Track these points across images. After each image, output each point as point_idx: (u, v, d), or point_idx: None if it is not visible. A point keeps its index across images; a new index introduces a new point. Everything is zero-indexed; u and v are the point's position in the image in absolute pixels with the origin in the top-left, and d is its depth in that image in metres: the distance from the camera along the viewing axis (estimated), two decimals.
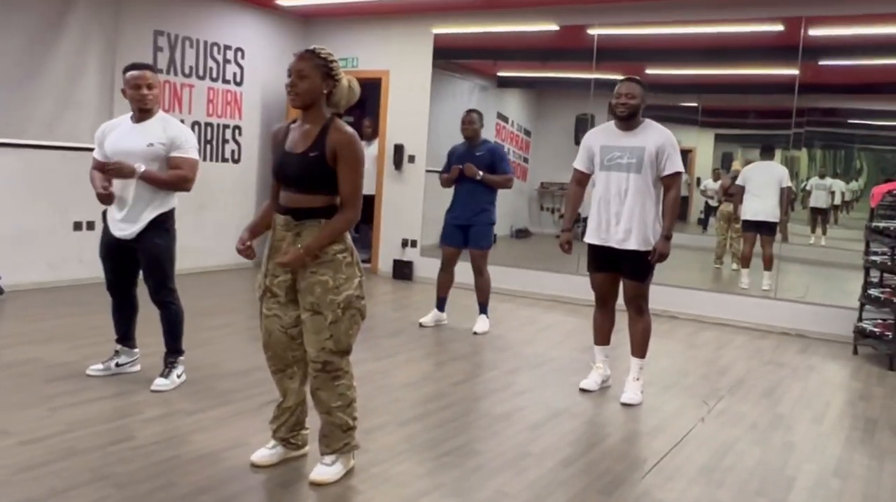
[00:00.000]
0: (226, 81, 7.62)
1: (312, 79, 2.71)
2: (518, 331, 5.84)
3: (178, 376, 3.92)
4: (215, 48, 7.48)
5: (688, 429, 3.72)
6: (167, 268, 3.90)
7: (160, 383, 3.82)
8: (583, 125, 9.18)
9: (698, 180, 9.10)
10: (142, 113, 3.78)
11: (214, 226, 7.54)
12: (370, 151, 8.55)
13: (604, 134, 4.16)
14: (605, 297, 4.27)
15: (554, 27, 7.48)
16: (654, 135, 4.02)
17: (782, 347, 5.74)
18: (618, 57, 7.65)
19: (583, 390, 4.24)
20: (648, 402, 4.11)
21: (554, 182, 10.01)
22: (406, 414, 3.70)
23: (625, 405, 4.04)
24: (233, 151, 7.79)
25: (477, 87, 9.49)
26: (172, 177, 3.78)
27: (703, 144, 9.26)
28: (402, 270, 8.00)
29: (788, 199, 7.20)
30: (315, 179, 2.76)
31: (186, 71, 7.21)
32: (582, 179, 4.30)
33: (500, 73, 9.53)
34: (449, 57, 8.19)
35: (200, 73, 7.34)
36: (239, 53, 7.73)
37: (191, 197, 7.10)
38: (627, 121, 4.03)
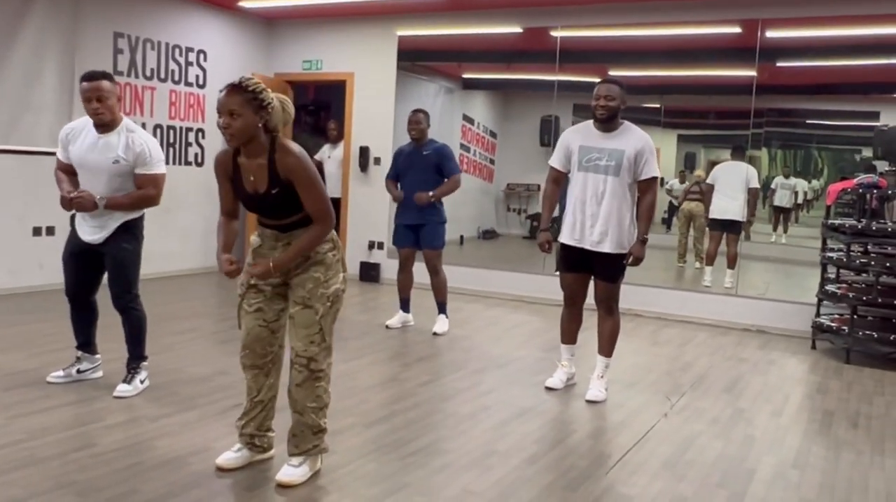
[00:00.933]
0: (188, 84, 7.55)
1: (245, 115, 2.64)
2: (484, 331, 5.87)
3: (142, 382, 3.88)
4: (177, 50, 7.40)
5: (651, 425, 3.77)
6: (132, 273, 3.86)
7: (123, 389, 3.78)
8: (547, 126, 9.26)
9: (662, 180, 9.23)
10: (101, 126, 3.67)
11: (179, 230, 7.47)
12: (335, 154, 8.53)
13: (582, 134, 4.15)
14: (574, 297, 4.30)
15: (518, 29, 7.54)
16: (633, 139, 4.03)
17: (743, 343, 5.85)
18: (581, 59, 7.74)
19: (548, 388, 4.28)
20: (613, 399, 4.16)
21: (520, 183, 10.08)
22: (373, 416, 3.70)
23: (590, 402, 4.09)
24: (196, 154, 7.72)
25: (442, 89, 9.52)
26: (136, 199, 3.75)
27: (667, 145, 9.39)
28: (369, 272, 7.99)
29: (755, 199, 7.34)
30: (288, 207, 2.78)
31: (148, 73, 7.13)
32: (558, 178, 4.28)
33: (466, 75, 9.58)
34: (414, 59, 8.20)
35: (162, 75, 7.27)
36: (201, 55, 7.67)
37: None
38: (607, 123, 4.03)
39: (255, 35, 8.29)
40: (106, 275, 3.88)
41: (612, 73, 8.01)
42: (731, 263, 7.00)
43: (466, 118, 9.94)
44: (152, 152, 3.73)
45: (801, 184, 8.11)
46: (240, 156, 2.80)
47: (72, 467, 2.89)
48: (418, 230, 5.64)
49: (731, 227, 7.10)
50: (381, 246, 8.07)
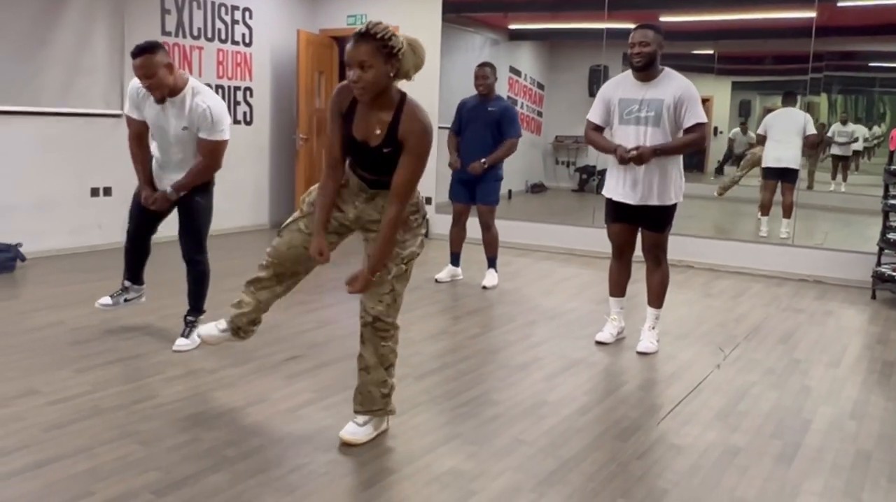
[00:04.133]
0: (234, 43, 7.57)
1: (377, 66, 2.44)
2: (534, 284, 5.86)
3: (199, 336, 3.97)
4: (223, 9, 7.41)
5: (703, 376, 3.74)
6: (203, 227, 3.98)
7: (181, 343, 3.89)
8: (596, 77, 9.05)
9: (715, 130, 8.98)
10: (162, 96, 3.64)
11: (229, 188, 7.51)
12: None
13: (622, 86, 4.00)
14: (621, 248, 4.23)
15: None
16: (672, 87, 3.87)
17: (800, 294, 5.72)
18: (631, 5, 7.53)
19: (598, 342, 4.24)
20: (664, 351, 4.13)
21: (568, 135, 9.93)
22: (424, 368, 3.75)
23: (641, 354, 4.06)
24: (245, 113, 7.78)
25: (488, 41, 9.38)
26: (196, 174, 3.78)
27: (721, 93, 9.12)
28: None
29: (813, 145, 7.11)
30: (391, 168, 2.61)
31: (195, 33, 7.17)
32: (597, 130, 4.15)
33: (512, 26, 9.40)
34: (459, 10, 8.08)
35: (209, 34, 7.30)
36: (247, 13, 7.67)
37: None
38: (644, 70, 3.88)
39: None
40: (177, 229, 3.97)
41: (664, 18, 7.78)
42: (787, 213, 6.82)
43: (513, 70, 9.79)
44: (214, 116, 3.65)
45: (860, 131, 7.81)
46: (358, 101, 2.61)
47: (134, 417, 3.00)
48: (474, 185, 5.62)
49: (786, 176, 6.90)
50: (428, 200, 8.05)
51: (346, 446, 2.82)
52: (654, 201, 3.96)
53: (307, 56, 7.93)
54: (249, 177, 7.80)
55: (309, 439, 2.88)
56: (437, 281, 5.75)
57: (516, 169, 10.21)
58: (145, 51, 3.57)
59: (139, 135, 3.83)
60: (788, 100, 7.26)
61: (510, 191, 9.89)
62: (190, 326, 3.97)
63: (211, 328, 3.06)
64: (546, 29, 9.52)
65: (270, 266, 2.90)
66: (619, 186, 4.03)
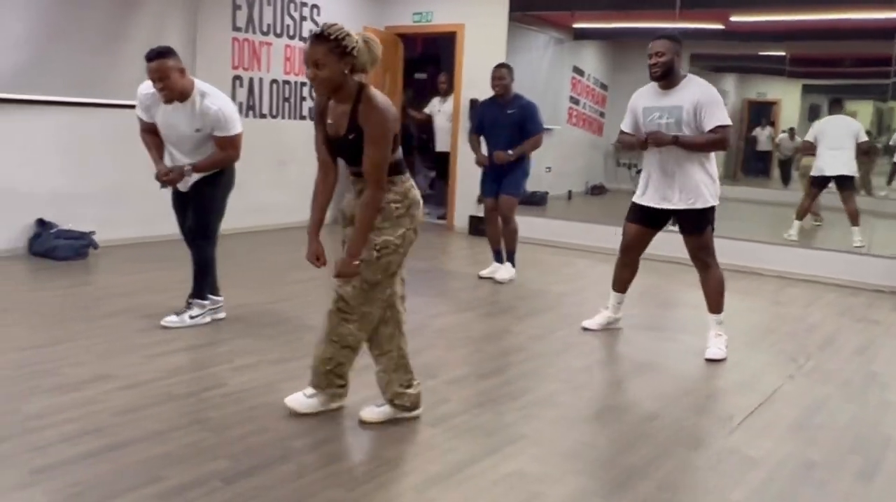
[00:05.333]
0: (302, 39, 7.66)
1: (330, 65, 2.60)
2: (594, 287, 5.76)
3: (191, 317, 4.08)
4: (292, 5, 7.51)
5: (776, 386, 3.62)
6: (209, 215, 4.09)
7: (171, 319, 4.04)
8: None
9: (792, 132, 8.74)
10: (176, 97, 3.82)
11: (294, 182, 7.63)
12: (445, 108, 8.51)
13: (646, 94, 4.08)
14: (628, 246, 4.27)
15: None
16: (690, 92, 3.88)
17: (876, 305, 5.50)
18: (701, 4, 7.35)
19: (585, 328, 4.35)
20: (733, 358, 4.01)
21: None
22: (486, 367, 3.72)
23: (709, 361, 3.96)
24: (310, 109, 7.85)
25: (552, 41, 9.29)
26: (218, 161, 3.97)
27: (790, 96, 8.86)
28: (478, 226, 7.97)
29: (865, 152, 6.92)
30: (361, 154, 2.73)
31: (264, 29, 7.28)
32: None
33: (577, 25, 9.28)
34: (525, 9, 8.01)
35: (278, 30, 7.41)
36: (315, 10, 7.75)
37: (269, 155, 7.33)
38: (664, 79, 3.93)
39: None
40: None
41: (734, 18, 7.60)
42: (855, 219, 6.65)
43: (576, 70, 9.68)
44: (226, 114, 3.87)
45: None
46: (331, 99, 2.79)
47: (205, 404, 3.05)
48: (502, 178, 5.64)
49: (843, 183, 6.74)
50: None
51: (292, 416, 2.93)
52: (680, 204, 3.97)
53: None
54: (312, 173, 7.81)
55: (374, 434, 2.88)
56: (480, 277, 5.76)
57: (576, 169, 10.10)
58: (160, 55, 3.78)
59: (149, 130, 4.05)
60: (837, 107, 7.13)
61: (570, 192, 9.79)
62: (187, 306, 4.10)
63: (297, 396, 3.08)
64: (612, 28, 9.37)
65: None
66: (644, 189, 4.12)
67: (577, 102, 9.85)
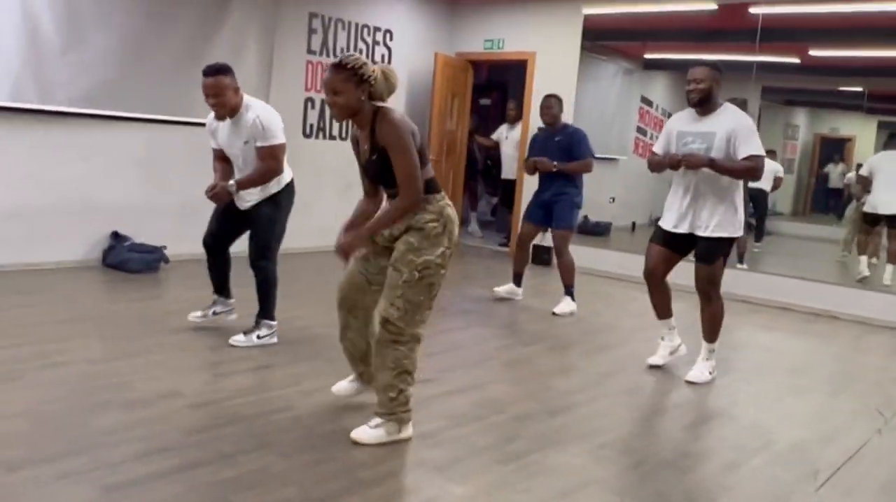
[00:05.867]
0: (374, 63, 7.72)
1: (347, 92, 2.77)
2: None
3: (259, 337, 4.09)
4: (365, 30, 7.60)
5: (863, 441, 3.42)
6: (268, 236, 4.11)
7: (238, 339, 4.06)
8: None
9: (858, 167, 8.46)
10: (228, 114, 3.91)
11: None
12: (513, 135, 8.47)
13: (683, 119, 4.12)
14: (651, 270, 4.23)
15: (713, 6, 7.09)
16: (726, 120, 3.91)
17: None
18: (778, 37, 7.16)
19: (651, 366, 4.27)
20: (816, 409, 3.83)
21: None
22: (555, 403, 3.61)
23: (689, 383, 4.03)
24: None
25: (621, 70, 9.19)
26: (259, 175, 3.97)
27: (866, 133, 8.55)
28: (542, 256, 7.88)
29: None
30: (389, 174, 2.86)
31: (338, 53, 7.37)
32: None
33: (648, 56, 9.17)
34: (598, 38, 7.94)
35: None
36: (388, 35, 7.83)
37: (337, 176, 7.38)
38: (701, 106, 3.97)
39: (438, 14, 8.36)
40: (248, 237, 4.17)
41: (813, 52, 7.39)
42: (894, 259, 6.42)
43: (644, 100, 9.53)
44: (265, 124, 3.88)
45: None
46: (356, 128, 2.97)
47: (273, 428, 3.02)
48: (551, 208, 5.62)
49: (894, 223, 6.52)
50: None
51: (355, 444, 2.90)
52: (704, 231, 3.98)
53: (443, 78, 8.01)
54: None
55: (442, 469, 2.80)
56: (494, 292, 5.84)
57: (641, 200, 9.91)
58: (219, 72, 3.85)
59: (220, 157, 4.16)
60: (893, 142, 6.87)
61: (634, 224, 9.60)
62: (255, 326, 4.12)
63: (342, 383, 3.31)
64: (682, 59, 9.22)
65: (338, 302, 3.16)
66: (671, 214, 4.11)
67: (644, 133, 9.68)
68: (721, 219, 3.97)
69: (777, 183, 7.72)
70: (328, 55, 7.28)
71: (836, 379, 4.40)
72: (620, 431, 3.33)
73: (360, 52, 7.59)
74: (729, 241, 4.02)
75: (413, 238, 2.86)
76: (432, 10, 8.29)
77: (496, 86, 10.64)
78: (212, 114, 4.03)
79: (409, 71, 8.13)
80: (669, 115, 9.82)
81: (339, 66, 2.80)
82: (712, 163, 3.87)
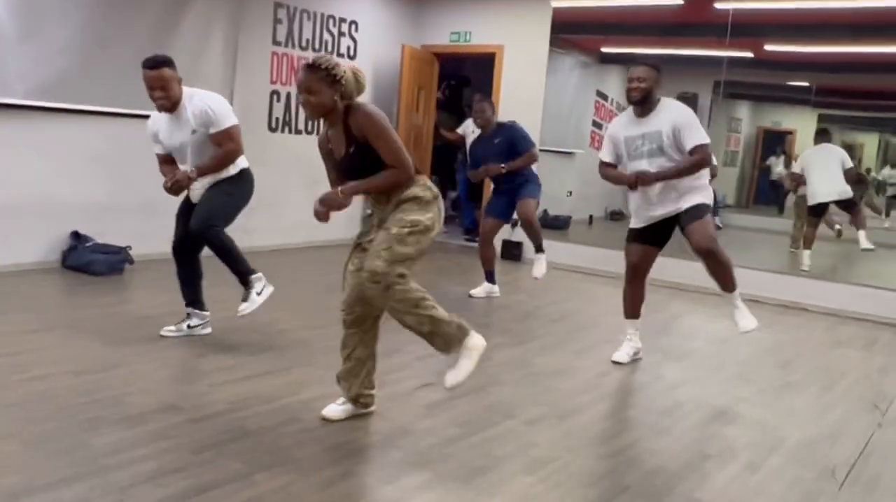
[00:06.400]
0: (340, 55, 7.54)
1: (321, 92, 2.82)
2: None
3: (258, 293, 3.97)
4: (331, 21, 7.39)
5: (867, 436, 3.46)
6: (219, 208, 3.90)
7: (243, 307, 3.93)
8: (684, 103, 8.78)
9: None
10: (166, 109, 3.80)
11: None
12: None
13: (625, 124, 4.12)
14: (636, 267, 4.24)
15: (679, 0, 7.14)
16: (666, 116, 3.95)
17: None
18: (746, 33, 7.26)
19: (615, 362, 4.27)
20: (815, 405, 3.87)
21: None
22: (562, 407, 3.54)
23: (746, 332, 4.11)
24: None
25: (578, 64, 9.19)
26: (220, 158, 3.84)
27: (807, 125, 8.77)
28: (511, 251, 7.84)
29: (853, 180, 6.97)
30: (366, 165, 2.89)
31: (303, 44, 7.15)
32: (609, 167, 4.25)
33: (604, 49, 9.20)
34: (566, 32, 7.91)
35: (316, 45, 7.28)
36: (353, 26, 7.64)
37: (301, 170, 7.17)
38: (641, 105, 3.99)
39: (404, 5, 8.21)
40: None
41: (767, 47, 7.53)
42: (862, 224, 6.74)
43: (600, 94, 9.57)
44: (214, 109, 3.79)
45: None
46: (328, 128, 2.99)
47: (285, 442, 2.87)
48: (512, 197, 5.63)
49: (844, 205, 6.85)
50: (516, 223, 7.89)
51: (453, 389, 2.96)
52: (682, 205, 3.99)
53: (410, 71, 7.86)
54: None
55: (468, 481, 2.70)
56: (470, 296, 5.73)
57: (597, 194, 9.96)
58: (164, 64, 3.74)
59: (166, 162, 4.03)
60: (823, 136, 7.20)
61: (591, 217, 9.65)
62: (247, 290, 3.96)
63: (331, 407, 3.15)
64: (638, 53, 9.29)
65: (345, 317, 3.07)
66: (642, 217, 4.15)
67: (599, 126, 9.72)
68: (694, 194, 4.00)
69: (713, 170, 7.88)
70: (293, 46, 7.05)
71: (826, 373, 4.46)
72: (634, 433, 3.29)
73: (326, 43, 7.38)
74: (708, 205, 4.02)
75: (403, 205, 2.89)
76: (398, 2, 8.13)
77: (462, 80, 10.50)
78: (151, 117, 3.95)
79: (375, 63, 7.96)
80: (624, 109, 10.04)
81: (313, 67, 2.84)
82: (663, 176, 3.93)
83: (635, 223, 4.21)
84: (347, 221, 7.84)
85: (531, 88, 7.74)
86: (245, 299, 3.95)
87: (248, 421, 3.04)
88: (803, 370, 4.50)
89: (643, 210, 4.13)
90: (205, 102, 3.78)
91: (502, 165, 5.51)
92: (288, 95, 7.05)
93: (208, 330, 4.17)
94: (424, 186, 2.94)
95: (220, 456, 2.70)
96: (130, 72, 5.75)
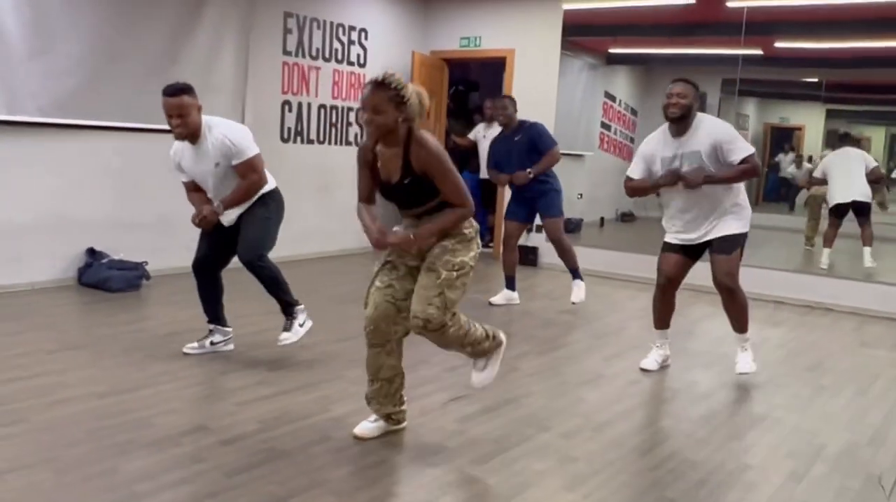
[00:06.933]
0: (350, 63, 7.49)
1: (387, 112, 2.70)
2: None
3: (301, 325, 3.95)
4: (340, 29, 7.35)
5: None
6: (263, 233, 3.89)
7: (284, 337, 3.91)
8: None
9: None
10: (187, 138, 3.73)
11: (338, 209, 7.44)
12: (490, 133, 8.27)
13: (661, 144, 4.01)
14: (670, 278, 4.13)
15: (691, 0, 7.08)
16: (704, 134, 3.86)
17: None
18: (751, 31, 7.20)
19: (643, 370, 4.20)
20: (851, 409, 3.79)
21: None
22: (596, 418, 3.47)
23: (743, 374, 4.08)
24: (356, 135, 7.68)
25: (586, 66, 9.13)
26: (244, 190, 3.80)
27: (815, 120, 8.69)
28: (528, 256, 7.77)
29: (878, 179, 6.99)
30: (421, 196, 2.84)
31: (314, 53, 7.10)
32: (636, 186, 4.16)
33: (612, 51, 9.14)
34: (576, 34, 7.85)
35: (326, 54, 7.23)
36: (363, 34, 7.59)
37: (313, 181, 7.13)
38: (678, 123, 3.89)
39: (413, 11, 8.16)
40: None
41: (778, 44, 7.47)
42: (868, 241, 6.70)
43: (608, 95, 9.51)
44: (235, 141, 3.72)
45: None
46: (378, 144, 2.86)
47: (318, 462, 2.81)
48: (532, 203, 5.58)
49: (859, 210, 6.80)
50: (539, 229, 7.80)
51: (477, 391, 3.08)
52: (718, 233, 3.95)
53: (420, 78, 7.81)
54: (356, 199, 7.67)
55: (507, 497, 2.63)
56: (491, 303, 5.66)
57: (607, 196, 9.89)
58: (182, 91, 3.64)
59: (192, 188, 3.95)
60: (846, 140, 7.21)
61: (602, 219, 9.58)
62: (290, 319, 3.95)
63: (364, 424, 3.09)
64: (644, 54, 9.24)
65: (370, 336, 2.97)
66: (677, 229, 4.07)
67: (608, 128, 9.67)
68: (731, 219, 3.96)
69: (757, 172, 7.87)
70: (304, 56, 7.01)
71: (857, 375, 4.38)
72: (672, 444, 3.22)
73: (336, 51, 7.34)
74: (744, 235, 4.00)
75: (447, 242, 2.84)
76: (407, 8, 8.08)
77: (471, 85, 10.43)
78: (174, 147, 3.85)
79: (385, 70, 7.89)
80: (633, 111, 9.98)
81: (381, 85, 2.71)
82: (710, 179, 3.84)
83: (674, 235, 4.12)
84: (360, 231, 7.80)
85: (543, 92, 7.68)
86: (287, 329, 3.93)
87: (279, 441, 2.98)
88: (834, 373, 4.42)
89: (677, 221, 4.04)
90: (223, 134, 3.72)
91: (529, 171, 5.42)
92: (299, 105, 7.00)
93: (231, 346, 4.12)
94: (469, 221, 2.90)
95: (253, 479, 2.64)
96: (143, 85, 5.74)
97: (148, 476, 2.61)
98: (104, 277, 5.36)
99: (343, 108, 7.50)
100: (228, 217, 3.87)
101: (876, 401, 3.94)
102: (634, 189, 4.17)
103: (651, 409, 3.65)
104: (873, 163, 6.92)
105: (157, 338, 4.32)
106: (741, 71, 7.57)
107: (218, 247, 3.96)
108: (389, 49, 7.89)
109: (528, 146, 5.47)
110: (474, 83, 10.28)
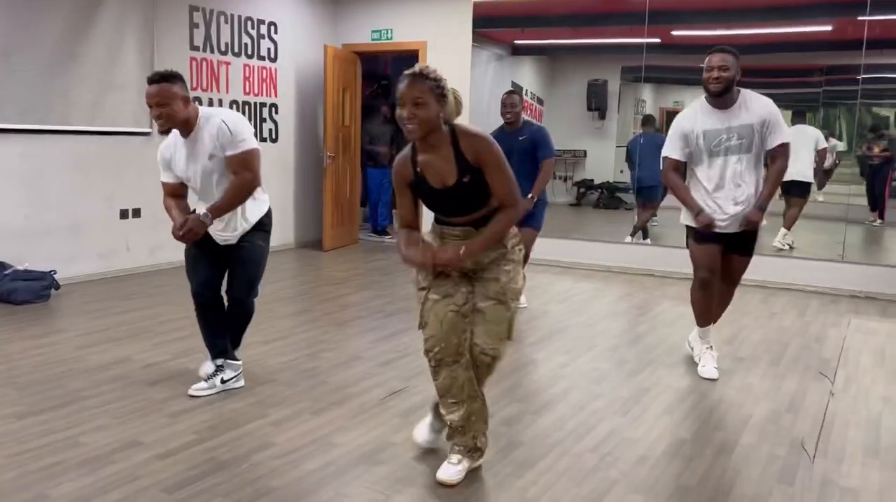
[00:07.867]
0: (261, 58, 7.31)
1: (430, 105, 2.45)
2: (613, 313, 5.69)
3: (223, 381, 3.56)
4: (249, 23, 7.15)
5: (822, 407, 3.59)
6: (260, 270, 3.57)
7: (200, 387, 3.52)
8: (595, 90, 8.97)
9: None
10: (181, 131, 3.31)
11: None
12: None
13: (702, 117, 3.82)
14: (713, 270, 3.92)
15: None
16: (757, 108, 3.74)
17: (861, 311, 5.64)
18: (656, 21, 7.44)
19: (708, 379, 3.94)
20: (766, 378, 3.99)
21: (566, 149, 9.78)
22: (535, 402, 3.53)
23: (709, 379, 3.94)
24: (270, 130, 7.51)
25: (493, 57, 9.23)
26: (234, 193, 3.34)
27: None
28: None
29: (824, 159, 7.17)
30: (479, 197, 2.57)
31: (222, 48, 6.89)
32: (678, 167, 3.95)
33: (518, 41, 9.27)
34: (485, 26, 7.91)
35: (236, 49, 7.03)
36: (272, 28, 7.42)
37: None
38: (721, 97, 3.73)
39: (323, 4, 8.03)
40: (229, 270, 3.56)
41: (674, 32, 7.75)
42: (790, 223, 6.96)
43: (514, 86, 9.64)
44: (232, 128, 3.29)
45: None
46: (418, 155, 2.59)
47: (261, 471, 2.74)
48: (529, 212, 5.30)
49: (798, 189, 6.98)
50: None
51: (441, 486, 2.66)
52: (743, 228, 3.88)
53: (333, 71, 7.69)
54: (274, 197, 7.42)
55: (458, 490, 2.65)
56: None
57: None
58: (164, 78, 3.23)
59: (174, 194, 3.48)
60: (799, 117, 7.42)
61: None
62: (219, 368, 3.57)
63: (447, 469, 2.74)
64: (549, 44, 9.42)
65: (440, 355, 2.68)
66: (707, 202, 3.86)
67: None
68: (756, 211, 3.84)
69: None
70: (212, 51, 6.79)
71: (770, 347, 4.61)
72: (609, 423, 3.31)
73: (246, 46, 7.15)
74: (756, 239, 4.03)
75: (509, 267, 2.67)
76: (317, 1, 7.94)
77: (379, 79, 10.35)
78: (167, 141, 3.41)
79: (298, 65, 7.76)
80: (539, 100, 10.16)
81: (420, 76, 2.46)
82: (765, 204, 3.79)
83: (698, 225, 3.87)
84: (280, 229, 7.63)
85: (457, 83, 7.50)
86: (208, 379, 3.54)
87: (218, 452, 2.89)
88: (750, 344, 4.64)
89: (717, 213, 3.83)
90: (221, 120, 3.29)
91: (531, 197, 5.04)
92: (210, 102, 6.78)
93: (241, 382, 3.64)
94: (515, 234, 2.72)
95: (198, 494, 2.56)
96: (39, 84, 5.45)
97: (81, 499, 2.49)
98: (8, 289, 5.07)
99: (255, 104, 7.32)
100: (227, 235, 3.47)
101: (786, 370, 4.15)
102: (673, 184, 3.95)
103: (584, 391, 3.73)
104: (823, 144, 7.05)
105: (73, 351, 4.12)
106: (636, 59, 7.82)
107: (217, 268, 3.53)
108: (300, 43, 7.75)
109: (531, 148, 5.16)
110: (385, 77, 10.20)
